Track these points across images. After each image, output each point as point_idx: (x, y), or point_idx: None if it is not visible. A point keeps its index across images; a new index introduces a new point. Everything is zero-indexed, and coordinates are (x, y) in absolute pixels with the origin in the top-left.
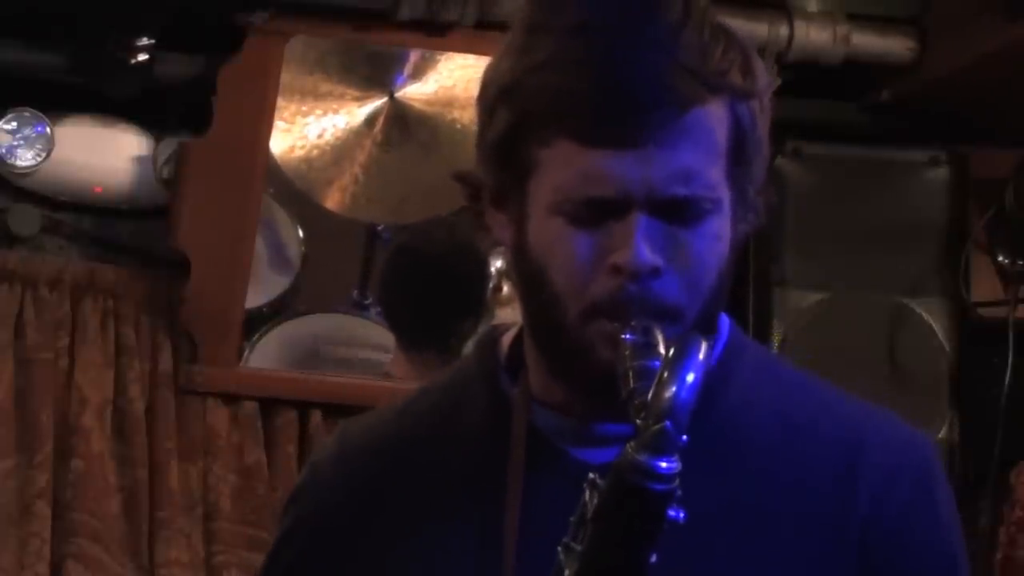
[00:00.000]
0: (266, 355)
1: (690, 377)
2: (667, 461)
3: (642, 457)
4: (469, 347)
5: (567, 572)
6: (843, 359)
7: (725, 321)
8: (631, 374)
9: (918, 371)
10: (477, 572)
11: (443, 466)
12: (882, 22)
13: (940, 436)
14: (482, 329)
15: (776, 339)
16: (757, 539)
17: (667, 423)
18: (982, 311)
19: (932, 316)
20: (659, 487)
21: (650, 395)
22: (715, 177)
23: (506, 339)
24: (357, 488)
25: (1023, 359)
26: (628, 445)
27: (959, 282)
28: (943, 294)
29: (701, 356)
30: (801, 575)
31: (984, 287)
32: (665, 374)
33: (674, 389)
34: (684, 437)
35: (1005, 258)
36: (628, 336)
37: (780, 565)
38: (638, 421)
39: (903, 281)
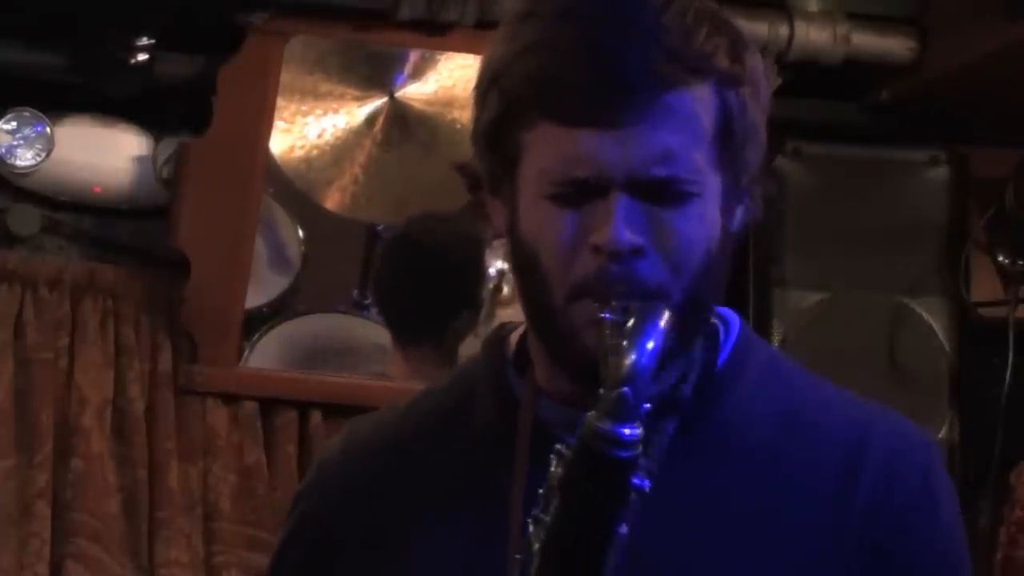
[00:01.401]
0: (266, 355)
1: (650, 344)
2: (629, 427)
3: (603, 424)
4: (467, 343)
5: (536, 544)
6: (843, 359)
7: (735, 318)
8: (610, 352)
9: (918, 371)
10: (483, 565)
11: (449, 463)
12: (882, 22)
13: (940, 436)
14: (479, 323)
15: (776, 339)
16: (759, 535)
17: (626, 389)
18: (982, 311)
19: (932, 316)
20: (621, 453)
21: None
22: (698, 160)
23: (513, 337)
24: (363, 486)
25: (1023, 359)
26: (590, 413)
27: (959, 282)
28: (943, 294)
29: (662, 324)
30: (801, 572)
31: (984, 287)
32: (624, 342)
33: (633, 356)
34: (646, 405)
35: (1005, 258)
36: (607, 315)
37: (781, 562)
38: (600, 390)
39: (903, 281)
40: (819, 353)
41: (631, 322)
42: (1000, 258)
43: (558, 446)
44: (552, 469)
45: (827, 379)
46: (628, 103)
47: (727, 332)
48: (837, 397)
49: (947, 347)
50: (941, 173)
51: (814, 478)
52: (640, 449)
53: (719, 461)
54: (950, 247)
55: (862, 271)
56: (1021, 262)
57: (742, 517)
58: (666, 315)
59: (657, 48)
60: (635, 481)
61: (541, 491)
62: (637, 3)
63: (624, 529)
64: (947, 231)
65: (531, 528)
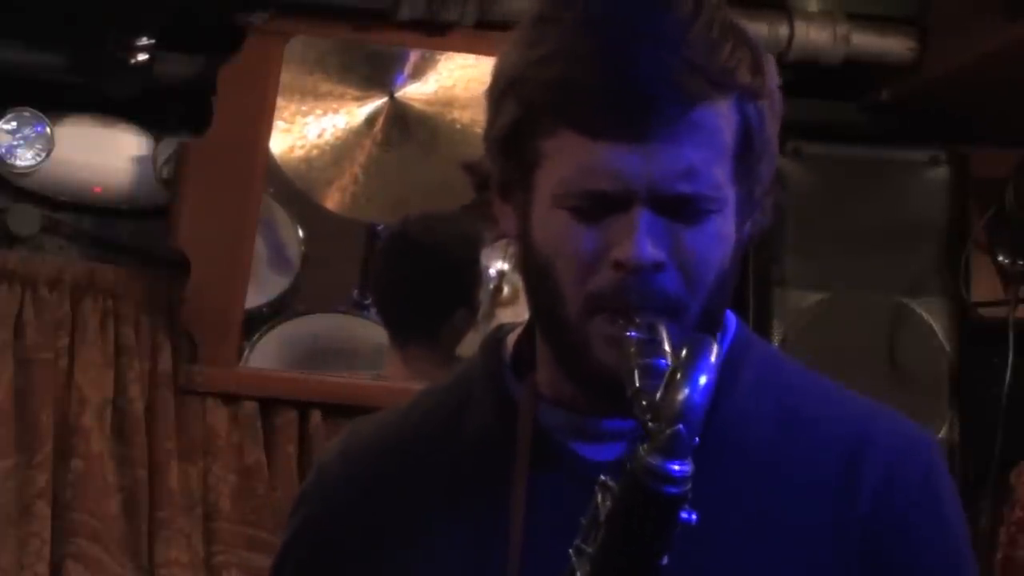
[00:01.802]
0: (266, 355)
1: (703, 380)
2: (680, 464)
3: (655, 460)
4: (465, 342)
5: (579, 574)
6: (843, 359)
7: (732, 318)
8: (637, 372)
9: (918, 371)
10: (483, 569)
11: (448, 465)
12: (882, 22)
13: (940, 436)
14: (476, 323)
15: (776, 339)
16: (759, 537)
17: (680, 426)
18: (982, 311)
19: (932, 316)
20: (673, 490)
21: (660, 396)
22: (720, 176)
23: (511, 339)
24: (363, 489)
25: (1023, 359)
26: (641, 448)
27: (959, 282)
28: (943, 294)
29: (712, 358)
30: (803, 571)
31: (984, 287)
32: (677, 376)
33: (687, 392)
34: (696, 440)
35: (1005, 258)
36: (633, 333)
37: (782, 561)
38: (650, 424)
39: (903, 281)
40: (819, 353)
41: (682, 354)
42: (1000, 258)
43: (603, 478)
44: (598, 502)
45: (828, 377)
46: (652, 117)
47: (723, 333)
48: (837, 395)
49: (947, 347)
50: (941, 173)
51: (815, 476)
52: (689, 485)
53: (717, 462)
54: (950, 247)
55: (862, 271)
56: (1021, 262)
57: (742, 517)
58: (716, 349)
59: (683, 62)
60: (682, 515)
61: (584, 521)
62: (662, 14)
63: (666, 560)
64: (947, 231)
65: (573, 559)
